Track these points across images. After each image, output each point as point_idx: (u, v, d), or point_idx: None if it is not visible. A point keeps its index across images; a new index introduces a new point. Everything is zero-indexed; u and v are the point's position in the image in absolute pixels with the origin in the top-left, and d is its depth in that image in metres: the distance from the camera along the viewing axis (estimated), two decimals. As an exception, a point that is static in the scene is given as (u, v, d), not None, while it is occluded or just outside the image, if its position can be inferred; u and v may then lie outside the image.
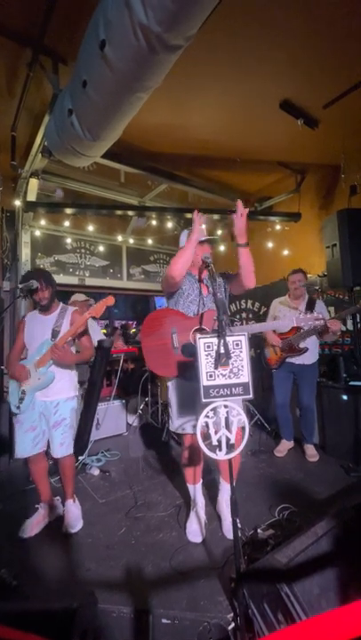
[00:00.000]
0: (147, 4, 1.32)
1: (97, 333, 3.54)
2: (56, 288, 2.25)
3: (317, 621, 0.75)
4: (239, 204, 1.87)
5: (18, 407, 2.14)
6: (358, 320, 3.42)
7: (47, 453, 2.23)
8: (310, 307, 3.09)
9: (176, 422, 2.08)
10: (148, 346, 2.04)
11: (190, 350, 1.94)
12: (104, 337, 3.71)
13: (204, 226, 2.04)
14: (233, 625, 1.45)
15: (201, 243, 2.05)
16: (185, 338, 1.96)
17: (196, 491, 2.16)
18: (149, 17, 1.35)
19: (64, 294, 3.71)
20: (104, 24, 1.55)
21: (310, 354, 3.09)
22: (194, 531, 2.04)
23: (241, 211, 1.85)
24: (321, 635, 0.70)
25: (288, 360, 3.14)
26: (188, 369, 1.94)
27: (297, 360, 3.11)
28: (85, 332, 2.26)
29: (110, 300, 2.10)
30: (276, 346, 3.18)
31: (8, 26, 2.14)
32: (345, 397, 3.03)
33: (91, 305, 3.52)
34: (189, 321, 1.97)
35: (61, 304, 2.31)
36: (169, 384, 2.13)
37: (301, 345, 3.05)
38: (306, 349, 3.05)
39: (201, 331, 1.93)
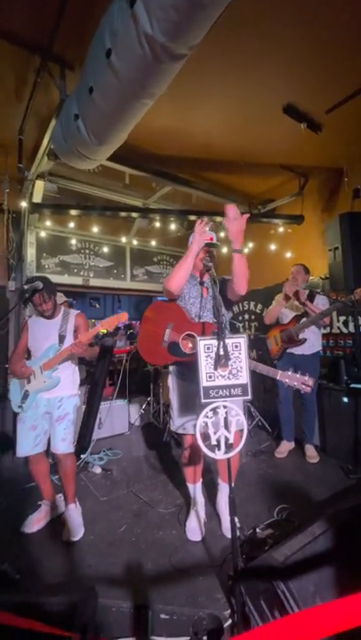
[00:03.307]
0: (152, 15, 1.36)
1: None
2: (56, 294, 2.30)
3: (311, 613, 0.78)
4: (229, 208, 1.79)
5: (20, 406, 2.19)
6: (360, 323, 3.44)
7: (48, 453, 2.27)
8: (310, 301, 3.15)
9: (177, 422, 2.11)
10: (144, 328, 2.12)
11: (174, 350, 1.98)
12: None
13: (208, 229, 2.05)
14: (230, 621, 1.48)
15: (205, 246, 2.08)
16: (176, 337, 1.99)
17: (196, 490, 2.19)
18: (154, 27, 1.39)
19: (68, 295, 3.75)
20: (110, 33, 1.59)
21: (310, 344, 3.14)
22: (193, 529, 2.08)
23: (234, 214, 1.77)
24: (314, 626, 0.73)
25: (289, 351, 3.18)
26: (170, 364, 2.04)
27: (297, 350, 3.15)
28: (93, 344, 2.34)
29: (124, 317, 2.18)
30: (276, 334, 3.25)
31: (18, 34, 2.19)
32: (346, 400, 3.04)
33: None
34: (189, 324, 2.01)
35: (63, 308, 2.37)
36: (170, 385, 2.17)
37: (300, 336, 3.12)
38: (305, 340, 3.11)
39: (191, 337, 1.97)
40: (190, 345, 1.94)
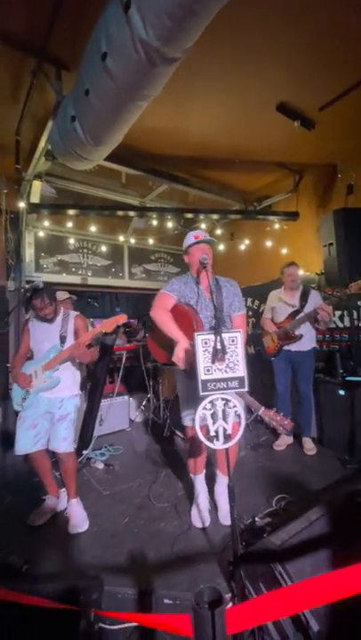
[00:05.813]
0: (146, 21, 1.40)
1: None
2: (56, 297, 2.36)
3: (303, 585, 0.84)
4: None
5: (20, 405, 2.25)
6: (355, 317, 3.50)
7: (48, 451, 2.30)
8: (304, 297, 3.19)
9: (182, 414, 2.20)
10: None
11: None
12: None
13: (199, 232, 2.11)
14: (231, 604, 1.55)
15: (198, 244, 2.10)
16: None
17: (197, 481, 2.27)
18: (149, 33, 1.43)
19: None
20: (105, 38, 1.63)
21: (306, 340, 3.18)
22: (195, 517, 2.16)
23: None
24: (306, 595, 0.79)
25: (285, 348, 3.23)
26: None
27: (293, 347, 3.20)
28: (92, 345, 2.38)
29: (122, 318, 2.22)
30: (272, 332, 3.29)
31: (14, 36, 2.22)
32: (341, 392, 3.11)
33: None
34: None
35: (63, 309, 2.41)
36: (177, 379, 2.25)
37: (297, 332, 3.15)
38: (301, 336, 3.14)
39: None
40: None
